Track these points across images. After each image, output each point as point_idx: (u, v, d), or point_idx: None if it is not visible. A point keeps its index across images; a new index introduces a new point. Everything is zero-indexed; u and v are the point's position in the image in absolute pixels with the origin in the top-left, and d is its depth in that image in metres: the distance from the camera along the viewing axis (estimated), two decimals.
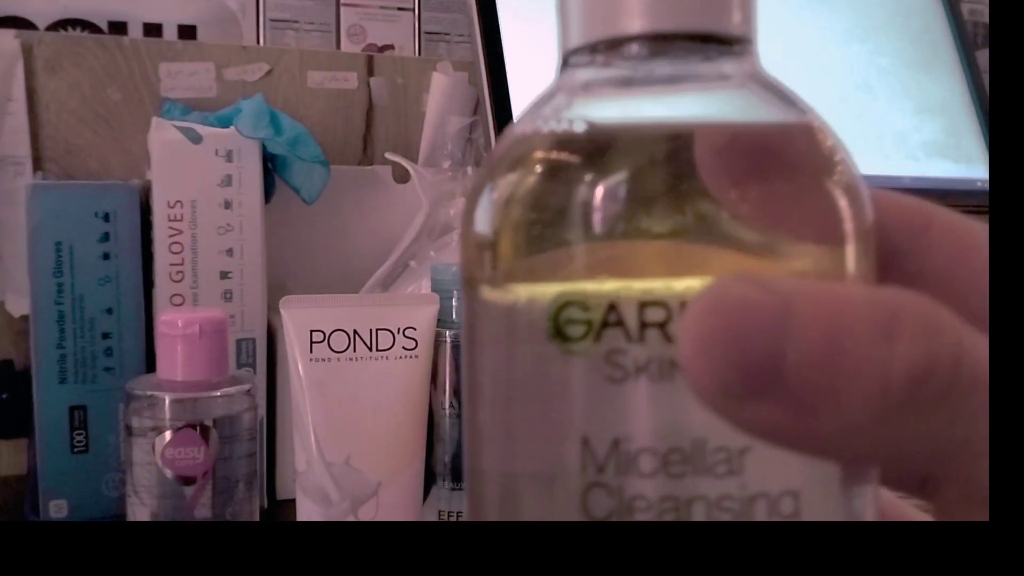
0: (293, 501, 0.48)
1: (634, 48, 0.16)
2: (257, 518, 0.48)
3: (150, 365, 0.62)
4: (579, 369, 0.15)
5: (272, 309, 0.65)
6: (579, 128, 0.16)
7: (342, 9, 0.87)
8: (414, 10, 0.89)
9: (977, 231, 0.17)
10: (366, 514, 0.44)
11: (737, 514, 0.15)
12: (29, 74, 0.71)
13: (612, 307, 0.15)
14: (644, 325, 0.15)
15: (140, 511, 0.45)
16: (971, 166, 0.84)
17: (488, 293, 0.17)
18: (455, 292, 0.48)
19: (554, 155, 0.16)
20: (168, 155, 0.62)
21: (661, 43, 0.16)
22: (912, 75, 0.85)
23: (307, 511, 0.45)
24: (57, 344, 0.60)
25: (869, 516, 0.16)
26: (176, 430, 0.43)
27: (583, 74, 0.17)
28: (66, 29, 0.80)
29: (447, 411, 0.47)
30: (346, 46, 0.84)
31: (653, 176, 0.15)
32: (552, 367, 0.16)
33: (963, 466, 0.15)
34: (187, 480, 0.44)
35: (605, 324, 0.15)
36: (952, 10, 0.89)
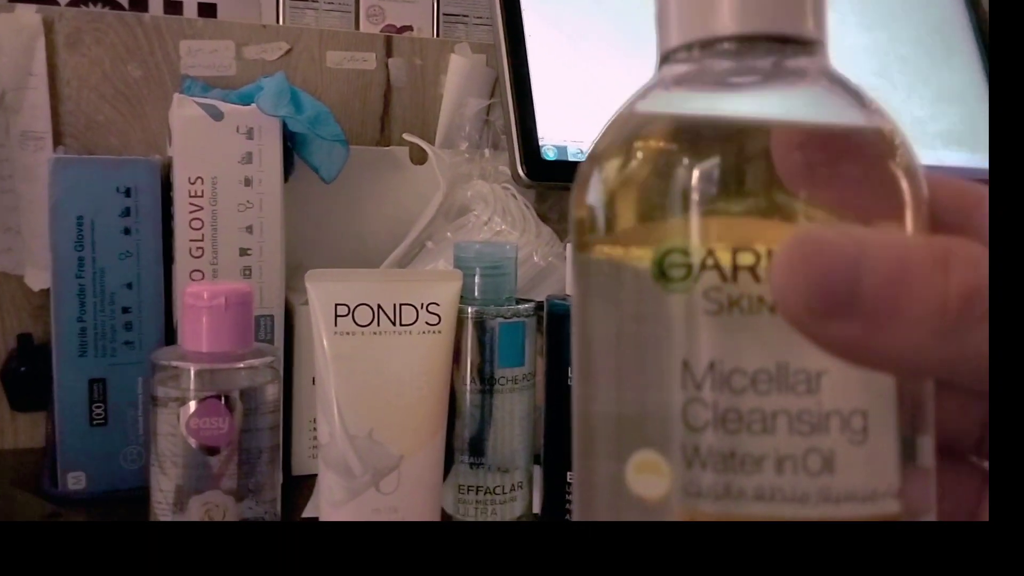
0: (310, 477, 0.49)
1: (724, 46, 0.19)
2: (279, 491, 0.48)
3: (169, 339, 0.63)
4: (680, 304, 0.19)
5: (289, 288, 0.65)
6: (676, 118, 0.20)
7: None
8: None
9: None
10: (387, 487, 0.44)
11: (814, 427, 0.18)
12: (50, 50, 0.71)
13: (710, 252, 0.18)
14: (736, 268, 0.18)
15: (164, 482, 0.45)
16: (988, 156, 0.84)
17: (599, 252, 0.20)
18: (477, 269, 0.48)
19: (656, 141, 0.20)
20: (189, 131, 0.62)
21: (747, 43, 0.19)
22: (930, 64, 0.85)
23: (329, 483, 0.45)
24: (77, 317, 0.61)
25: (928, 433, 0.19)
26: (201, 400, 0.44)
27: (679, 69, 0.20)
28: (87, 5, 0.81)
29: (468, 387, 0.47)
30: (365, 27, 0.84)
31: (739, 163, 0.19)
32: (656, 305, 0.19)
33: None
34: (211, 450, 0.44)
35: (703, 267, 0.18)
36: (971, 0, 0.89)
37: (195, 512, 0.44)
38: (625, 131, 0.20)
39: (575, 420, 0.21)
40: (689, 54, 0.20)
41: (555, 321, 0.49)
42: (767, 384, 0.18)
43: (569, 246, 0.22)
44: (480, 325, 0.47)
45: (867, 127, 0.19)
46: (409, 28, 0.85)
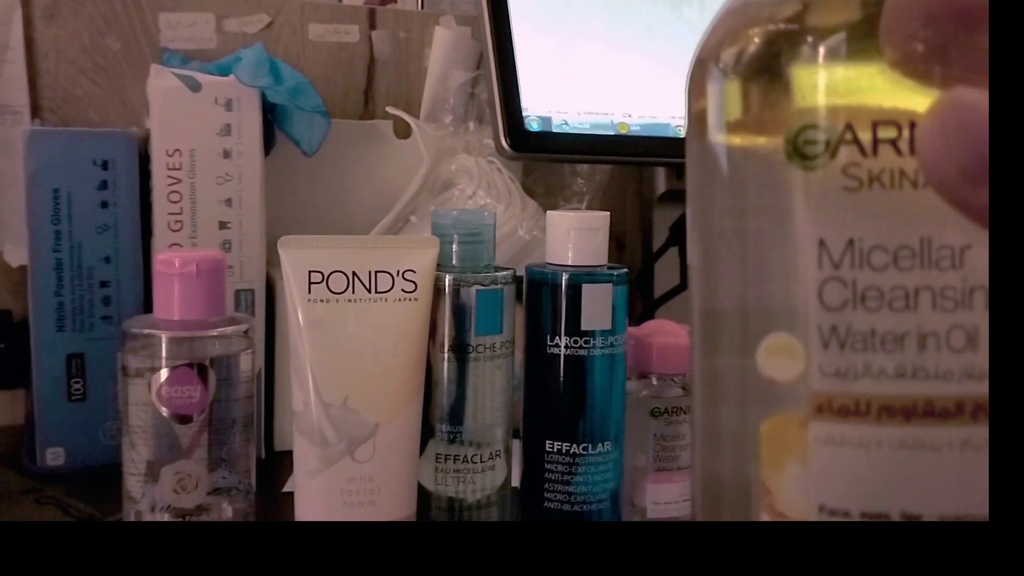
0: (291, 453, 0.48)
1: None
2: (254, 464, 0.48)
3: (148, 313, 0.62)
4: (817, 182, 0.18)
5: (270, 263, 0.64)
6: None
7: None
8: None
9: None
10: (363, 455, 0.44)
11: (959, 303, 0.18)
12: (27, 22, 0.70)
13: (848, 127, 0.18)
14: (877, 142, 0.18)
15: (135, 452, 0.44)
16: None
17: (726, 139, 0.20)
18: (455, 236, 0.48)
19: (782, 17, 0.19)
20: (167, 103, 0.61)
21: None
22: None
23: (304, 452, 0.44)
24: (55, 292, 0.60)
25: None
26: (173, 368, 0.43)
27: None
28: None
29: (445, 355, 0.47)
30: None
31: (871, 33, 0.18)
32: (790, 185, 0.18)
33: None
34: (183, 419, 0.43)
35: (841, 142, 0.18)
36: None
37: (167, 482, 0.43)
38: (747, 11, 0.20)
39: (696, 320, 0.21)
40: None
41: (534, 289, 0.49)
42: (910, 260, 0.18)
43: (688, 139, 0.21)
44: (457, 292, 0.47)
45: None
46: (393, 0, 0.84)
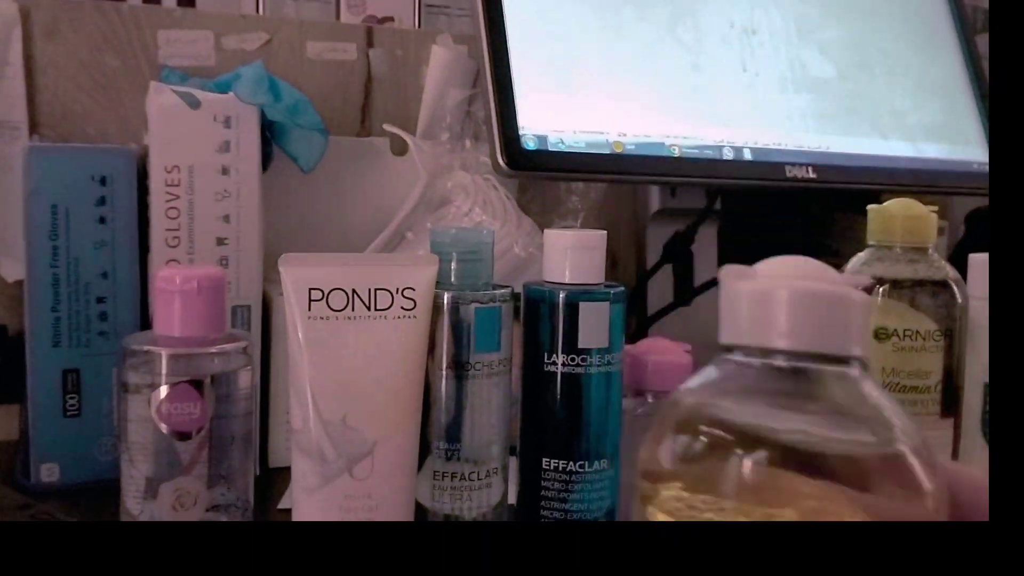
0: (287, 469, 0.48)
1: (778, 358, 0.23)
2: (252, 481, 0.48)
3: (145, 329, 0.62)
4: None
5: (267, 279, 0.64)
6: (730, 421, 0.23)
7: None
8: None
9: None
10: (361, 473, 0.44)
11: None
12: (27, 39, 0.71)
13: None
14: None
15: (134, 468, 0.44)
16: (968, 148, 0.84)
17: (655, 509, 0.24)
18: (453, 254, 0.48)
19: (716, 435, 0.24)
20: (166, 119, 0.61)
21: (797, 357, 0.23)
22: (911, 56, 0.85)
23: (302, 469, 0.44)
24: (52, 307, 0.60)
25: None
26: (173, 385, 0.43)
27: (737, 364, 0.24)
28: None
29: (443, 372, 0.47)
30: (345, 17, 0.84)
31: (782, 461, 0.22)
32: None
33: None
34: (183, 435, 0.43)
35: None
36: None
37: (166, 499, 0.43)
38: (693, 420, 0.24)
39: None
40: (747, 355, 0.24)
41: (532, 307, 0.49)
42: None
43: None
44: (456, 310, 0.47)
45: (891, 455, 0.22)
46: (390, 19, 0.85)
